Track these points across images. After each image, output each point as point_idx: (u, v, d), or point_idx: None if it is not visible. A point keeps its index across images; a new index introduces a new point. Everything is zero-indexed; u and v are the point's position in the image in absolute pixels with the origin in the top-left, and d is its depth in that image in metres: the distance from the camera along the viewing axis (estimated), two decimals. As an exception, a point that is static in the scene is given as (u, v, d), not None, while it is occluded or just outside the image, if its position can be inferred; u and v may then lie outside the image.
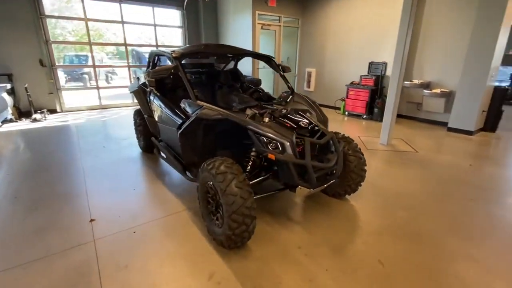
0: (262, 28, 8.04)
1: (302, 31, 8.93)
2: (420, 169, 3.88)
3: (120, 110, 7.99)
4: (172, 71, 2.65)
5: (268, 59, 3.34)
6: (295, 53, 9.24)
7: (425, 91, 6.39)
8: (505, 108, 6.00)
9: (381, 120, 6.86)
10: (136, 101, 4.48)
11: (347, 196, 2.96)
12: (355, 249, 2.20)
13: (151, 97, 3.35)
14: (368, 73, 7.22)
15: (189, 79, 2.66)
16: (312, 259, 2.07)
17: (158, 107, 3.17)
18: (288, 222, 2.54)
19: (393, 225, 2.52)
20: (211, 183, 2.11)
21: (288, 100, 3.00)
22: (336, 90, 8.24)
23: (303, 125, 2.31)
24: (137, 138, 4.44)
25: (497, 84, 5.76)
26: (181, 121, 2.66)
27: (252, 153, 2.38)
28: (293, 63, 9.31)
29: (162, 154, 3.33)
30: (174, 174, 3.56)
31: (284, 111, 2.50)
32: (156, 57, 3.52)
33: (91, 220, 2.54)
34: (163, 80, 3.54)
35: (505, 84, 6.16)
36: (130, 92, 3.97)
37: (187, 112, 2.58)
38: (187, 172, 2.79)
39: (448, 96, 6.17)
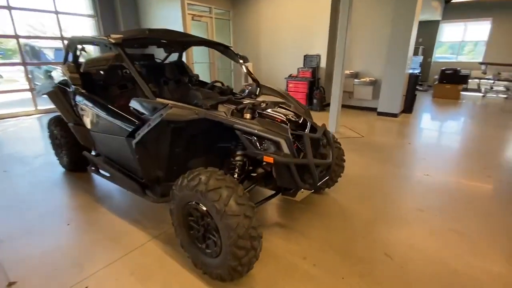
0: (193, 19, 7.40)
1: (234, 23, 8.63)
2: (373, 152, 4.11)
3: (17, 120, 6.21)
4: (112, 62, 2.00)
5: (225, 48, 2.93)
6: (229, 47, 8.87)
7: (355, 80, 6.96)
8: (416, 92, 7.02)
9: (320, 110, 7.24)
10: (44, 107, 3.41)
11: (326, 189, 2.85)
12: (359, 246, 2.07)
13: (78, 99, 2.53)
14: (304, 65, 7.44)
15: (139, 71, 2.05)
16: (323, 269, 1.84)
17: (91, 111, 2.41)
18: (281, 231, 2.25)
19: (380, 211, 2.51)
20: (195, 203, 1.64)
21: (257, 93, 2.67)
22: (275, 84, 8.25)
23: (293, 119, 2.02)
24: (57, 154, 3.42)
25: (411, 71, 6.67)
26: (132, 127, 2.05)
27: (238, 158, 1.98)
28: (226, 59, 8.94)
29: (104, 172, 2.58)
30: (122, 195, 2.83)
31: (263, 104, 2.17)
32: (79, 47, 2.69)
33: (10, 284, 1.72)
34: (91, 76, 2.74)
35: (416, 71, 7.17)
36: (43, 95, 2.97)
37: (142, 114, 1.99)
38: (147, 191, 2.19)
39: (375, 84, 6.85)
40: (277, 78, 8.16)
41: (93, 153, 2.83)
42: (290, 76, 7.53)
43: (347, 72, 7.14)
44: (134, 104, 2.01)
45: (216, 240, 1.61)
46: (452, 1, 10.60)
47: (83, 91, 2.53)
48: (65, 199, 2.76)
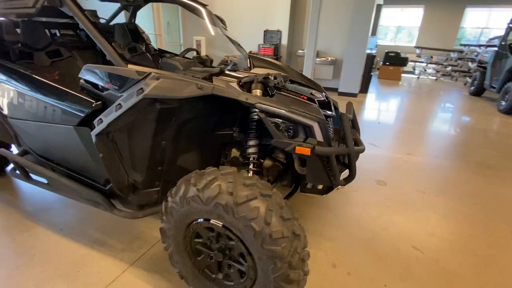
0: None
1: None
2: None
3: None
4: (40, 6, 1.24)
5: (198, 8, 2.30)
6: (177, 19, 7.79)
7: (316, 59, 6.80)
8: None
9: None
10: None
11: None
12: (383, 241, 1.83)
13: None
14: (264, 42, 6.96)
15: (96, 23, 1.33)
16: (360, 277, 1.54)
17: (10, 90, 1.57)
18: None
19: (377, 194, 2.33)
20: (209, 221, 1.12)
21: (248, 66, 2.15)
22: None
23: (321, 98, 1.59)
24: None
25: (368, 52, 6.79)
26: (86, 110, 1.35)
27: (251, 149, 1.47)
28: (176, 29, 7.87)
29: (37, 178, 1.78)
30: (67, 206, 2.06)
31: (271, 77, 1.68)
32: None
33: None
34: None
35: (373, 51, 7.35)
36: None
37: (103, 90, 1.31)
38: (114, 203, 1.54)
39: (335, 63, 6.81)
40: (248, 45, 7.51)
41: (14, 150, 1.95)
42: (250, 53, 6.97)
43: (323, 59, 6.93)
44: (88, 74, 1.31)
45: (245, 269, 1.14)
46: (393, -14, 11.21)
47: (5, 61, 1.63)
48: (-27, 220, 1.87)
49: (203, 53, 7.89)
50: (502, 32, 6.69)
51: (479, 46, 9.31)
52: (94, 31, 1.29)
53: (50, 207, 2.04)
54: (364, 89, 7.03)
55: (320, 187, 1.59)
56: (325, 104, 1.62)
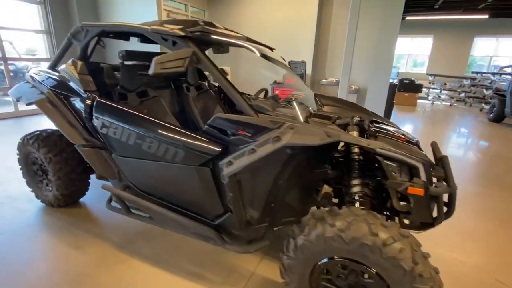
0: (168, 16, 6.60)
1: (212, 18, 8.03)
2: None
3: None
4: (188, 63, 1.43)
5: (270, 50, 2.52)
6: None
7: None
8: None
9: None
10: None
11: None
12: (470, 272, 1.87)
13: (98, 111, 1.80)
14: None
15: (221, 73, 1.51)
16: None
17: (124, 130, 1.72)
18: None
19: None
20: (347, 259, 1.21)
21: (320, 104, 2.32)
22: (257, 89, 7.94)
23: (410, 139, 1.73)
24: (34, 185, 2.49)
25: (390, 81, 7.06)
26: (213, 153, 1.49)
27: (356, 188, 1.58)
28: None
29: (138, 212, 1.89)
30: (148, 239, 2.14)
31: (361, 120, 1.83)
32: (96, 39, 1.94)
33: None
34: (102, 80, 2.03)
35: (395, 80, 7.64)
36: (28, 104, 2.07)
37: (233, 137, 1.46)
38: (224, 237, 1.63)
39: (358, 92, 7.07)
40: (260, 85, 7.83)
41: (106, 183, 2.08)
42: (275, 82, 7.29)
43: (332, 79, 7.24)
44: (218, 122, 1.46)
45: (379, 306, 1.21)
46: (405, 19, 11.81)
47: (105, 101, 1.81)
48: (62, 253, 1.95)
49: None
50: (510, 60, 6.94)
51: (493, 74, 9.59)
52: (228, 86, 1.47)
53: (135, 239, 2.13)
54: (387, 116, 7.22)
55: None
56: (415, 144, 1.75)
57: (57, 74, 2.10)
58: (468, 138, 5.79)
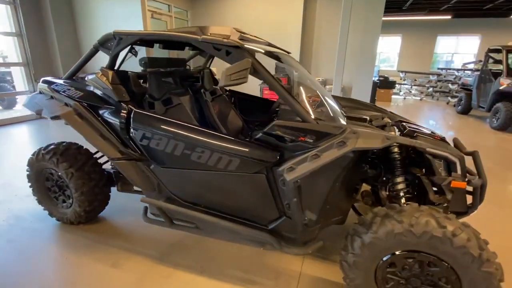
0: (152, 17, 6.38)
1: (194, 25, 7.89)
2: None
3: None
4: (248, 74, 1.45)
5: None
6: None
7: (327, 86, 7.33)
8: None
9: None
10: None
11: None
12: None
13: (137, 123, 1.74)
14: (276, 72, 7.39)
15: (278, 81, 1.54)
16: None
17: (169, 140, 1.69)
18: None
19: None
20: (413, 251, 1.32)
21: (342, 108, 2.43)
22: (246, 89, 7.95)
23: (439, 136, 1.88)
24: (47, 202, 2.34)
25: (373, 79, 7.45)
26: (271, 160, 1.53)
27: (400, 186, 1.70)
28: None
29: (180, 223, 1.86)
30: (182, 250, 2.11)
31: (388, 120, 1.97)
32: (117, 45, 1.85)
33: None
34: (128, 88, 1.96)
35: (375, 78, 8.05)
36: (53, 118, 1.92)
37: (293, 143, 1.50)
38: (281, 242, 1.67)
39: (344, 90, 7.37)
40: (247, 85, 7.86)
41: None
42: (263, 83, 7.36)
43: (318, 78, 7.47)
44: (280, 130, 1.50)
45: (445, 292, 1.33)
46: (375, 18, 12.46)
47: (143, 111, 1.76)
48: (101, 272, 1.87)
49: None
50: (470, 56, 7.68)
51: (457, 70, 10.50)
52: (286, 94, 1.51)
53: (170, 251, 2.08)
54: (369, 112, 7.62)
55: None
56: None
57: (80, 84, 1.98)
58: (441, 129, 6.31)
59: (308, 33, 7.48)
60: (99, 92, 1.91)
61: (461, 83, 8.66)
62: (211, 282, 1.79)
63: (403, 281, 1.41)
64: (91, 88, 1.95)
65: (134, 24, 6.02)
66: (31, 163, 2.22)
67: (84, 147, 2.29)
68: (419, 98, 11.61)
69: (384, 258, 1.40)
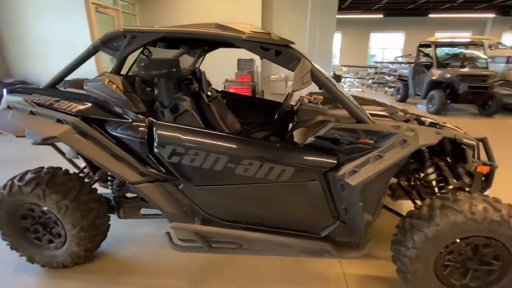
0: (97, 10, 5.59)
1: (143, 22, 7.19)
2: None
3: None
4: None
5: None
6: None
7: (272, 76, 7.56)
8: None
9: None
10: None
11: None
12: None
13: (163, 137, 1.48)
14: (238, 69, 7.26)
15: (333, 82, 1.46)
16: None
17: (217, 156, 1.48)
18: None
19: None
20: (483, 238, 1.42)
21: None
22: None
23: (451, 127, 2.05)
24: (25, 246, 1.85)
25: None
26: (328, 166, 1.46)
27: (432, 176, 1.80)
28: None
29: (220, 245, 1.65)
30: (213, 274, 1.91)
31: (406, 114, 2.08)
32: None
33: None
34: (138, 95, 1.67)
35: (331, 73, 8.50)
36: (44, 140, 1.47)
37: (351, 145, 1.46)
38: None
39: (286, 80, 7.66)
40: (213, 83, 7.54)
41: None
42: (227, 80, 7.15)
43: (277, 76, 7.58)
44: (338, 133, 1.43)
45: (497, 268, 1.46)
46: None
47: (165, 123, 1.50)
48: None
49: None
50: (397, 51, 8.77)
51: (392, 63, 11.85)
52: (342, 96, 1.44)
53: (203, 277, 1.84)
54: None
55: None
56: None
57: (71, 93, 1.59)
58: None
59: (267, 30, 7.50)
60: (102, 103, 1.56)
61: (398, 74, 9.81)
62: (262, 303, 1.65)
63: (459, 265, 1.50)
64: (91, 99, 1.57)
65: (76, 19, 5.18)
66: (0, 200, 1.71)
67: (70, 171, 1.87)
68: (361, 89, 12.80)
69: (445, 247, 1.47)
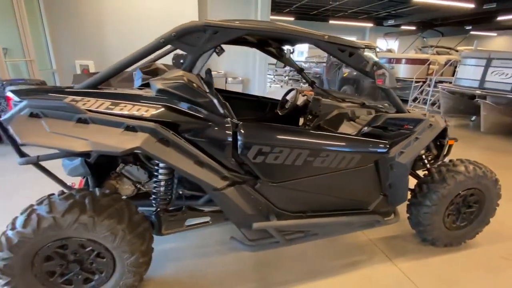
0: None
1: (51, 6, 5.82)
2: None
3: None
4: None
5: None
6: (44, 38, 5.94)
7: (229, 79, 7.60)
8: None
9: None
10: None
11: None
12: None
13: (255, 137, 1.47)
14: (173, 63, 6.86)
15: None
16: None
17: (299, 149, 1.56)
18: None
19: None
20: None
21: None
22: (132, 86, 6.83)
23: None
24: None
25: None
26: (385, 149, 1.77)
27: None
28: (44, 54, 5.98)
29: (289, 236, 1.74)
30: (268, 263, 1.98)
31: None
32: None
33: None
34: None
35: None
36: (121, 153, 1.13)
37: (396, 131, 1.81)
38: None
39: (243, 82, 7.88)
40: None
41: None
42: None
43: (215, 72, 7.55)
44: (390, 122, 1.76)
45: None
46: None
47: (248, 123, 1.48)
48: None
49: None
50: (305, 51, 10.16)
51: (304, 62, 13.42)
52: (390, 91, 1.74)
53: (263, 273, 1.89)
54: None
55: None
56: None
57: (126, 94, 1.34)
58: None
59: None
60: (175, 105, 1.38)
61: (313, 72, 11.27)
62: (334, 280, 1.84)
63: (455, 212, 2.08)
64: (158, 102, 1.36)
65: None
66: (17, 243, 1.28)
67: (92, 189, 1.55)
68: (279, 85, 14.02)
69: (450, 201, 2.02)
